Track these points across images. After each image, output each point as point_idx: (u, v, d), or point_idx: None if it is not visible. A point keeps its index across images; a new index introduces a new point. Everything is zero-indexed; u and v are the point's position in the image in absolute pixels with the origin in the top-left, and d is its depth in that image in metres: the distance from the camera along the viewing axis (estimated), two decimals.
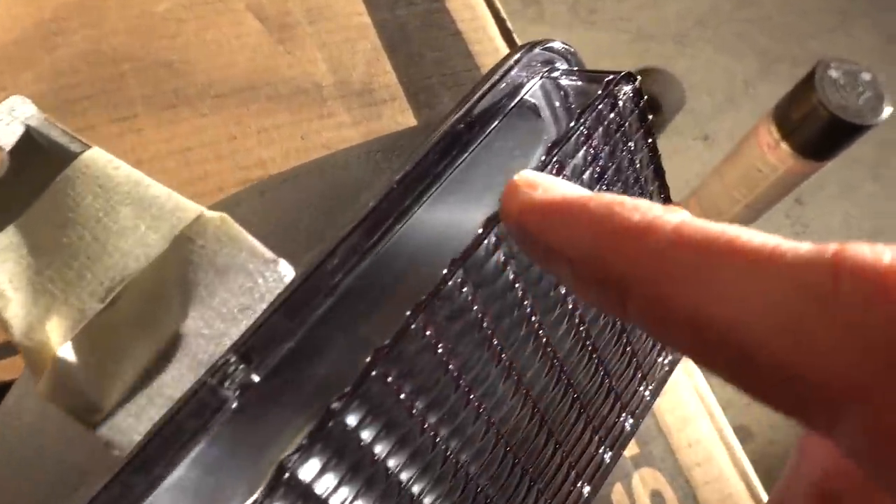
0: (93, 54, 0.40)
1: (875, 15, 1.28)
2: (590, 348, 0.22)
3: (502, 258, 0.18)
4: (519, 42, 0.47)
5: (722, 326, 0.11)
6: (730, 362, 0.11)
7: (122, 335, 0.16)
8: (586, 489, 0.23)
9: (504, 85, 0.20)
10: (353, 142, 0.41)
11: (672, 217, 0.12)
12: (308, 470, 0.15)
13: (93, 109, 0.39)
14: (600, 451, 0.24)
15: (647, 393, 0.26)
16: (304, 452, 0.15)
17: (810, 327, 0.10)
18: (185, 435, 0.16)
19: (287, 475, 0.15)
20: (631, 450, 0.35)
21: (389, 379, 0.16)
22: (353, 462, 0.16)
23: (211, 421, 0.16)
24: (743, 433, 0.93)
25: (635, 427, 0.25)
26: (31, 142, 0.18)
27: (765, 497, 0.35)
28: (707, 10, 1.23)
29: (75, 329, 0.15)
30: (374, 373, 0.16)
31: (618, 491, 0.34)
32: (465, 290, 0.17)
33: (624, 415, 0.25)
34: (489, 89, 0.20)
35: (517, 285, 0.19)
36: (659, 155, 0.22)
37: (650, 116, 0.21)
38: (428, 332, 0.17)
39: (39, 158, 0.18)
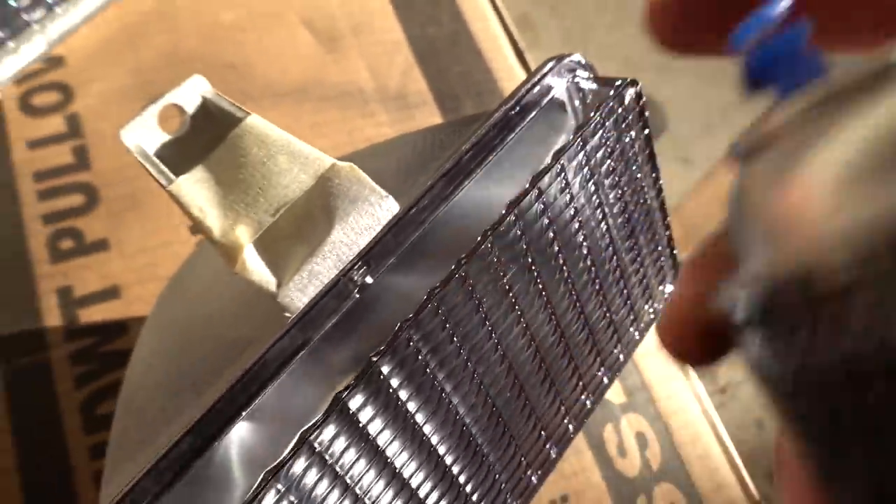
0: (171, 55, 0.47)
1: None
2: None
3: (519, 233, 0.25)
4: (531, 65, 0.55)
5: None
6: None
7: (287, 241, 0.23)
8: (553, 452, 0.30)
9: (540, 87, 0.28)
10: (391, 137, 0.48)
11: None
12: (355, 402, 0.22)
13: None
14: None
15: (587, 402, 0.32)
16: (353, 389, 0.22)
17: None
18: (324, 315, 0.22)
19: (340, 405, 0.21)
20: (619, 398, 0.42)
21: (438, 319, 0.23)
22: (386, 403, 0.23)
23: (341, 305, 0.23)
24: None
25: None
26: (206, 109, 0.25)
27: (726, 436, 0.42)
28: None
29: (256, 234, 0.22)
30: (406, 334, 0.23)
31: (609, 430, 0.41)
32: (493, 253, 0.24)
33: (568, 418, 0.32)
34: (531, 88, 0.27)
35: (528, 256, 0.26)
36: (652, 143, 0.30)
37: (647, 112, 0.28)
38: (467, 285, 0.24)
39: (212, 121, 0.25)
